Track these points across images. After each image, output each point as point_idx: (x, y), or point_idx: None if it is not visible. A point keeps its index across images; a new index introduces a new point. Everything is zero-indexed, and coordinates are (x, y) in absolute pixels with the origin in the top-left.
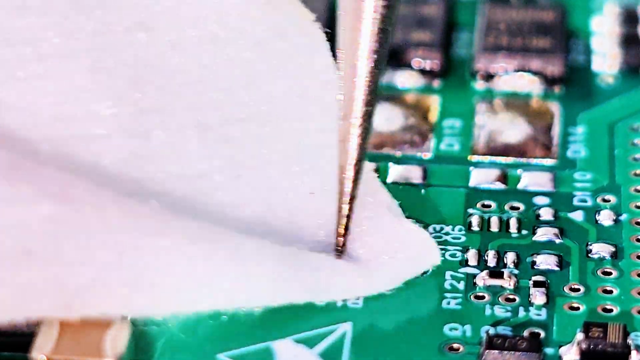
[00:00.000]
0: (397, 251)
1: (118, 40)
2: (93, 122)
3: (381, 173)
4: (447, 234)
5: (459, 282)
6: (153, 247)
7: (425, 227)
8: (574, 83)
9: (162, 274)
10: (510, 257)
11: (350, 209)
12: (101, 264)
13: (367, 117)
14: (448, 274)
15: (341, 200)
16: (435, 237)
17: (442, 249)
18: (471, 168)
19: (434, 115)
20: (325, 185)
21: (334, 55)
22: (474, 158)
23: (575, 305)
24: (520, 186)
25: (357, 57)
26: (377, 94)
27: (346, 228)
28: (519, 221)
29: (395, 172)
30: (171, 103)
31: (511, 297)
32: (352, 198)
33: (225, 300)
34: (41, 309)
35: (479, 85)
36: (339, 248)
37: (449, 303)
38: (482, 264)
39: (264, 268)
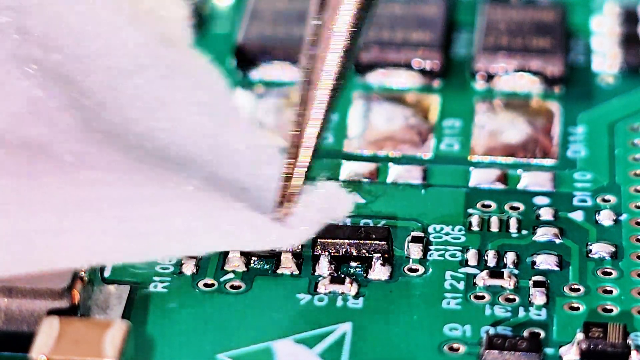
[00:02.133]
0: (309, 203)
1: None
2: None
3: (381, 173)
4: (447, 234)
5: (459, 282)
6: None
7: (425, 227)
8: (574, 83)
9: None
10: (510, 257)
11: (304, 178)
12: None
13: (336, 89)
14: (448, 274)
15: (293, 168)
16: (435, 237)
17: (442, 249)
18: (471, 168)
19: (434, 115)
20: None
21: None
22: (474, 158)
23: (575, 305)
24: (520, 186)
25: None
26: (347, 72)
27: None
28: (519, 221)
29: (395, 172)
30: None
31: (511, 297)
32: (309, 167)
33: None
34: (9, 264)
35: (479, 85)
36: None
37: (449, 303)
38: (482, 264)
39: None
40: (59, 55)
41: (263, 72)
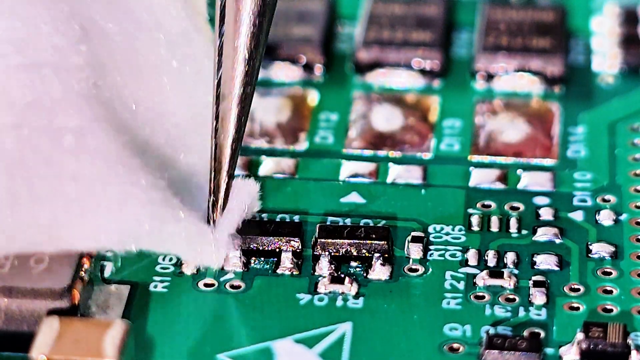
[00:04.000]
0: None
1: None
2: None
3: (381, 173)
4: (447, 234)
5: (459, 282)
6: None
7: (425, 227)
8: (574, 83)
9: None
10: (510, 257)
11: (228, 185)
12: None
13: (245, 98)
14: (448, 274)
15: (217, 177)
16: (435, 237)
17: (442, 249)
18: (471, 168)
19: (434, 115)
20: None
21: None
22: (474, 158)
23: (575, 305)
24: (520, 186)
25: (238, 43)
26: (255, 78)
27: (223, 202)
28: (519, 221)
29: (395, 172)
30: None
31: (511, 297)
32: (230, 175)
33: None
34: (16, 244)
35: (479, 85)
36: (211, 220)
37: (449, 303)
38: (482, 263)
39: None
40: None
41: (262, 72)
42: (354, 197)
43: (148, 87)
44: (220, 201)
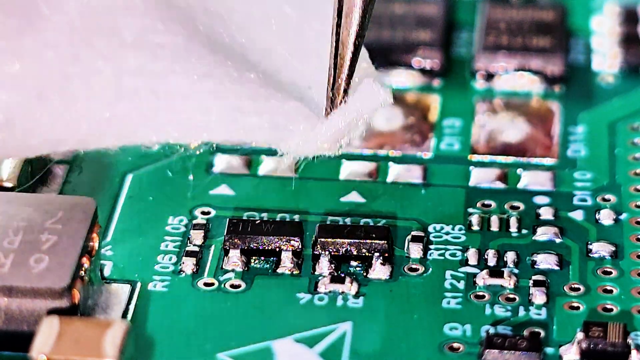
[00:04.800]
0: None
1: None
2: None
3: (381, 173)
4: (447, 233)
5: (459, 282)
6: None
7: (425, 227)
8: (574, 82)
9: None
10: (510, 257)
11: (347, 84)
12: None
13: None
14: (448, 273)
15: (338, 74)
16: (435, 237)
17: (442, 249)
18: (471, 167)
19: (434, 115)
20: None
21: None
22: (474, 157)
23: (575, 304)
24: (520, 185)
25: None
26: None
27: (345, 91)
28: (519, 220)
29: (395, 172)
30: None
31: (511, 296)
32: (350, 74)
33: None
34: (78, 139)
35: (479, 84)
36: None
37: (449, 303)
38: (482, 263)
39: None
40: None
41: None
42: (354, 197)
43: None
44: (339, 98)
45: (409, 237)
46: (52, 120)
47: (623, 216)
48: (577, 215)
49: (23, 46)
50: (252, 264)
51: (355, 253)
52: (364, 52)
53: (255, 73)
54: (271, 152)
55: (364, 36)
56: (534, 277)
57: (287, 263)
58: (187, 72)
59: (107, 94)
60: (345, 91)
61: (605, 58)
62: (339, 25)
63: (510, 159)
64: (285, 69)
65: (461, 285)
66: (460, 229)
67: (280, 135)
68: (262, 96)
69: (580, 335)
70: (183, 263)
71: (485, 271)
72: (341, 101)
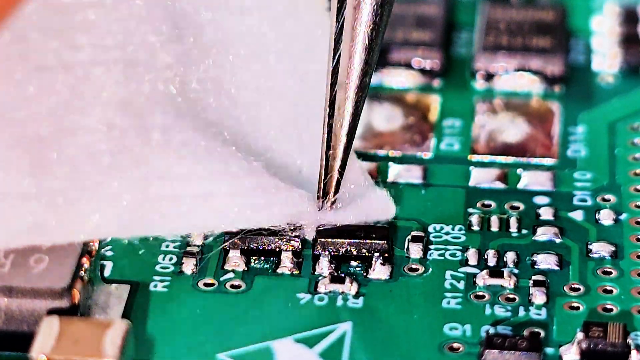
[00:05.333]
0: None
1: None
2: None
3: (381, 173)
4: (447, 233)
5: (459, 282)
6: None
7: (425, 227)
8: (574, 83)
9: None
10: (510, 257)
11: (341, 172)
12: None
13: (363, 88)
14: (448, 273)
15: (330, 165)
16: (435, 237)
17: (442, 249)
18: (471, 168)
19: (434, 115)
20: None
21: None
22: (474, 158)
23: (575, 304)
24: (520, 186)
25: (358, 31)
26: (373, 67)
27: (335, 190)
28: (519, 220)
29: (395, 172)
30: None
31: (511, 296)
32: (343, 165)
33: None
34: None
35: (479, 84)
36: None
37: (449, 303)
38: (482, 263)
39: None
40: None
41: None
42: None
43: (251, 69)
44: (332, 190)
45: (409, 237)
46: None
47: (623, 216)
48: (577, 216)
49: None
50: (252, 264)
51: (355, 253)
52: (361, 165)
53: (260, 162)
54: None
55: (356, 127)
56: (534, 277)
57: (287, 263)
58: (210, 172)
59: (135, 197)
60: (338, 183)
61: (605, 58)
62: (330, 116)
63: (510, 159)
64: (285, 156)
65: (461, 285)
66: (460, 229)
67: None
68: (272, 187)
69: (580, 335)
70: (183, 263)
71: (485, 271)
72: (335, 193)
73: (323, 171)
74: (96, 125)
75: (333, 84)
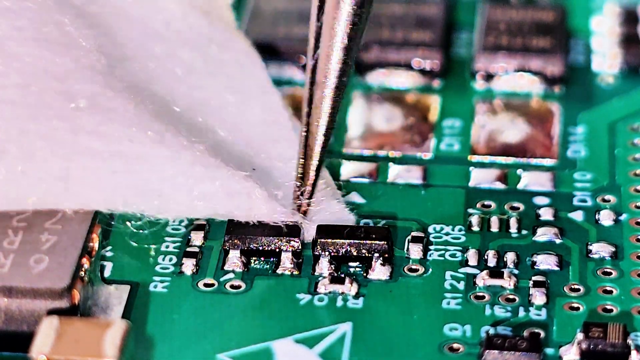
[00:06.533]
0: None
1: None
2: None
3: (381, 173)
4: (447, 234)
5: (459, 282)
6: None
7: (425, 227)
8: (574, 83)
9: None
10: (510, 257)
11: (317, 175)
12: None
13: (341, 86)
14: (448, 274)
15: (307, 164)
16: (435, 237)
17: (442, 249)
18: (471, 168)
19: (433, 115)
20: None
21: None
22: (474, 158)
23: (575, 305)
24: (520, 186)
25: (336, 31)
26: (351, 66)
27: (312, 189)
28: (519, 221)
29: (395, 172)
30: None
31: (511, 297)
32: (320, 163)
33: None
34: (37, 198)
35: (479, 85)
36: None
37: (449, 303)
38: (482, 264)
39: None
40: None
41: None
42: (354, 197)
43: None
44: (309, 188)
45: (409, 237)
46: (10, 176)
47: (623, 217)
48: (577, 216)
49: None
50: (252, 265)
51: (355, 254)
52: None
53: (204, 145)
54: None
55: (333, 126)
56: (533, 278)
57: (286, 264)
58: (140, 137)
59: (64, 152)
60: (315, 180)
61: (605, 58)
62: (308, 114)
63: (510, 160)
64: (229, 147)
65: (461, 285)
66: (460, 230)
67: (236, 203)
68: (214, 164)
69: (580, 335)
70: (183, 264)
71: (485, 272)
72: (312, 191)
73: (300, 170)
74: (17, 82)
75: (311, 82)
